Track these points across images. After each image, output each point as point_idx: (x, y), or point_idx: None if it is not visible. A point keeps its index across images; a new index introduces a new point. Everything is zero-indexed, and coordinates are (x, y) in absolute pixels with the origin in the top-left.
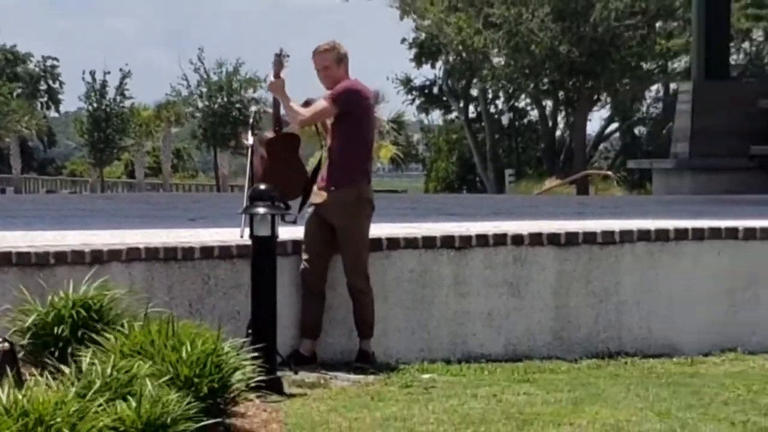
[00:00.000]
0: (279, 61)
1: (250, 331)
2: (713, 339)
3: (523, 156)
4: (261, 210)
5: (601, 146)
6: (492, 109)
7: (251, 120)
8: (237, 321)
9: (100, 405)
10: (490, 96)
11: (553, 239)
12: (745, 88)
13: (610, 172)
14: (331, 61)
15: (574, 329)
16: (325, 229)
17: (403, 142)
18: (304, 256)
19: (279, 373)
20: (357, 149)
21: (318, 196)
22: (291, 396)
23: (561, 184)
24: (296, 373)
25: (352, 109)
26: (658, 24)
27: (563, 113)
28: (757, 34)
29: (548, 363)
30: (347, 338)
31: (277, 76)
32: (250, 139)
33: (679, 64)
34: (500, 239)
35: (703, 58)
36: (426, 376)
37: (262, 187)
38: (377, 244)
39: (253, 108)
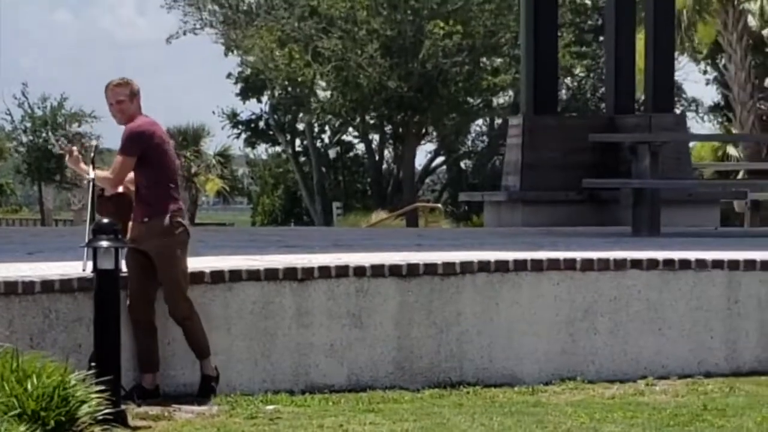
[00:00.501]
0: (68, 147)
1: (92, 364)
2: (553, 368)
3: (350, 189)
4: (105, 243)
5: (428, 179)
6: (318, 143)
7: (92, 154)
8: (79, 354)
9: None
10: (316, 130)
11: (396, 270)
12: (574, 122)
13: (439, 205)
14: (125, 96)
15: (417, 359)
16: (144, 261)
17: (229, 176)
18: (128, 292)
19: (123, 406)
20: (162, 180)
21: (133, 229)
22: (135, 429)
23: (390, 216)
24: (140, 405)
25: (146, 150)
26: (483, 60)
27: (390, 147)
28: (579, 71)
29: (392, 393)
30: (190, 370)
31: (71, 153)
32: (91, 173)
33: (504, 99)
34: (342, 271)
35: (532, 93)
36: (270, 407)
37: (105, 220)
38: (219, 276)
39: (93, 142)
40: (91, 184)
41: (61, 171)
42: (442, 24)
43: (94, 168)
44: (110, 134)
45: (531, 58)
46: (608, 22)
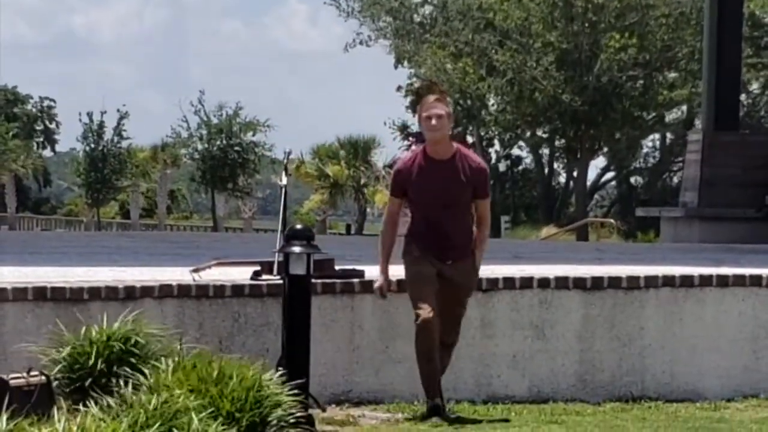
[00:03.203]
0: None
1: (280, 368)
2: (735, 385)
3: (519, 202)
4: (297, 249)
5: (597, 195)
6: (487, 156)
7: (285, 161)
8: (266, 358)
9: None
10: (485, 143)
11: (579, 283)
12: (755, 139)
13: (611, 220)
14: (447, 111)
15: (598, 372)
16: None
17: None
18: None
19: (310, 411)
20: None
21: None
22: None
23: (561, 231)
24: (324, 410)
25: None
26: (659, 74)
27: (561, 161)
28: (756, 87)
29: (573, 405)
30: (374, 377)
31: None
32: (284, 180)
33: (677, 114)
34: (527, 282)
35: (713, 108)
36: (453, 416)
37: (298, 226)
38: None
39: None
40: (283, 190)
41: (233, 179)
42: (618, 37)
43: (287, 174)
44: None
45: (713, 72)
46: None
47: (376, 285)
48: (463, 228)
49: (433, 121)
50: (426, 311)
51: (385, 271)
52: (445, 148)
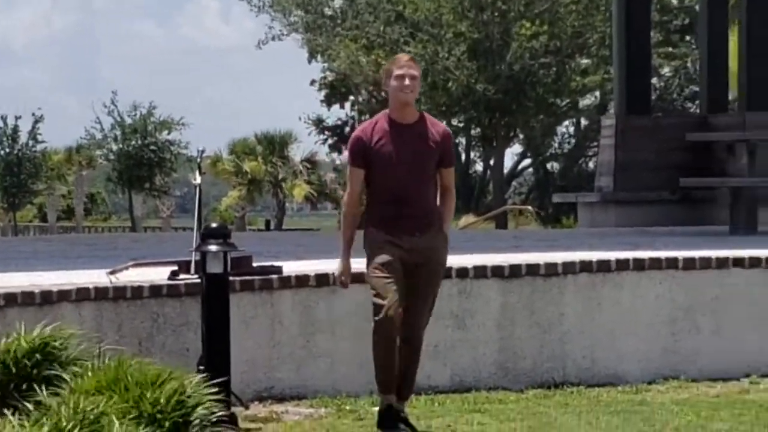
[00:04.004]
0: None
1: (201, 367)
2: (655, 368)
3: None
4: (213, 248)
5: (514, 182)
6: None
7: (198, 159)
8: (186, 358)
9: None
10: None
11: (498, 272)
12: (668, 122)
13: (529, 207)
14: (419, 74)
15: (519, 360)
16: None
17: (316, 181)
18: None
19: (233, 409)
20: None
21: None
22: (247, 431)
23: (480, 219)
24: (247, 408)
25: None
26: (571, 61)
27: (478, 150)
28: (667, 71)
29: (496, 393)
30: (295, 373)
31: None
32: (198, 178)
33: (591, 100)
34: (445, 272)
35: (625, 93)
36: (377, 408)
37: (214, 224)
38: (324, 279)
39: (200, 147)
40: (198, 189)
41: (150, 179)
42: (528, 25)
43: (201, 173)
44: (200, 140)
45: (623, 58)
46: (701, 21)
47: (336, 272)
48: (429, 198)
49: (407, 81)
50: (388, 302)
51: (346, 257)
52: (412, 112)
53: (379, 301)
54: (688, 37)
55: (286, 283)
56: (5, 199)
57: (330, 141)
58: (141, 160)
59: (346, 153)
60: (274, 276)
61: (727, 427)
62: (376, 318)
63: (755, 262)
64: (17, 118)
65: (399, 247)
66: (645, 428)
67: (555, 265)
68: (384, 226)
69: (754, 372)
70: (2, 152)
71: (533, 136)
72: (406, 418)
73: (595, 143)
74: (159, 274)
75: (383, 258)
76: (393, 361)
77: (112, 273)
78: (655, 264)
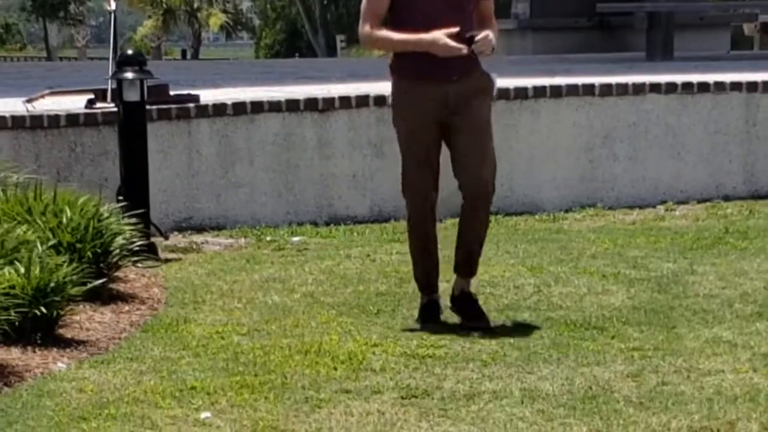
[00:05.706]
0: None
1: (120, 197)
2: (573, 196)
3: (354, 21)
4: (129, 75)
5: None
6: None
7: None
8: (105, 188)
9: None
10: None
11: None
12: None
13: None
14: None
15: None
16: None
17: (231, 10)
18: None
19: (152, 239)
20: None
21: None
22: (167, 261)
23: None
24: (167, 238)
25: None
26: None
27: None
28: None
29: None
30: (215, 203)
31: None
32: (112, 5)
33: None
34: (363, 101)
35: None
36: (296, 238)
37: (130, 51)
38: (242, 107)
39: None
40: (112, 16)
41: (65, 7)
42: None
43: None
44: None
45: None
46: None
47: (440, 42)
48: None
49: None
50: (419, 201)
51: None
52: None
53: (409, 201)
54: None
55: (204, 111)
56: None
57: None
58: None
59: None
60: (192, 104)
61: (642, 254)
62: (409, 223)
63: (671, 88)
64: None
65: (434, 101)
66: (562, 256)
67: None
68: (415, 73)
69: (670, 199)
70: None
71: None
72: (475, 300)
73: None
74: (75, 103)
75: (413, 128)
76: (429, 260)
77: (28, 101)
78: (573, 90)
